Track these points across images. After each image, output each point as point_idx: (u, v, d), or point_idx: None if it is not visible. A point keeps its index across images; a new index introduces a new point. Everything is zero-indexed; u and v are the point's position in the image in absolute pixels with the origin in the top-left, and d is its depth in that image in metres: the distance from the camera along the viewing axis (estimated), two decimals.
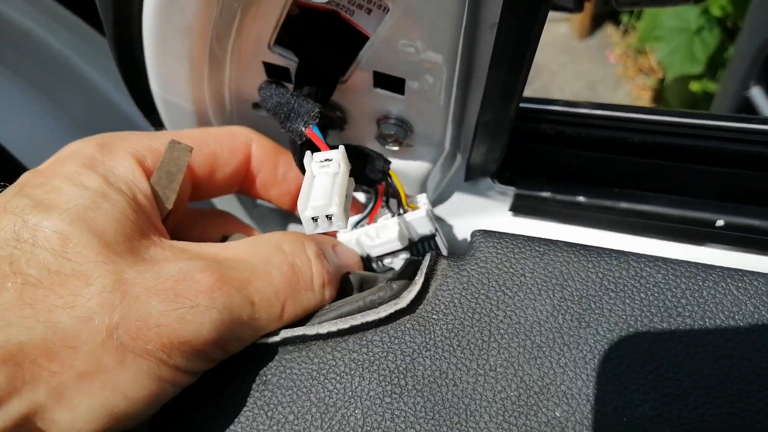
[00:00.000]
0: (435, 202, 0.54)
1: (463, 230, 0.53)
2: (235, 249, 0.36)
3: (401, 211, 0.44)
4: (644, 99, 2.67)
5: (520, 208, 0.50)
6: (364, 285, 0.40)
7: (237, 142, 0.43)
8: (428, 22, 0.37)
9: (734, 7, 2.11)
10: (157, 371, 0.30)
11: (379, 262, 0.45)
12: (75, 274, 0.29)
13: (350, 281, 0.40)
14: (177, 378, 0.31)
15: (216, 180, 0.42)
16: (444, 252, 0.45)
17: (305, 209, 0.34)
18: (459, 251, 0.53)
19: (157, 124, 0.52)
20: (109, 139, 0.38)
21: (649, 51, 2.65)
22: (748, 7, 1.64)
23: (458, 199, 0.53)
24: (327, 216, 0.33)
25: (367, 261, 0.45)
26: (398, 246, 0.43)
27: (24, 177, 0.34)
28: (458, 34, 0.37)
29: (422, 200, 0.46)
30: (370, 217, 0.44)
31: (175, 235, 0.39)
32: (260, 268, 0.35)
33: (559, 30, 2.91)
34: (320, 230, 0.34)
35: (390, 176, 0.43)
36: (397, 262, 0.45)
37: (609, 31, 2.92)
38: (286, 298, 0.35)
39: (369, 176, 0.42)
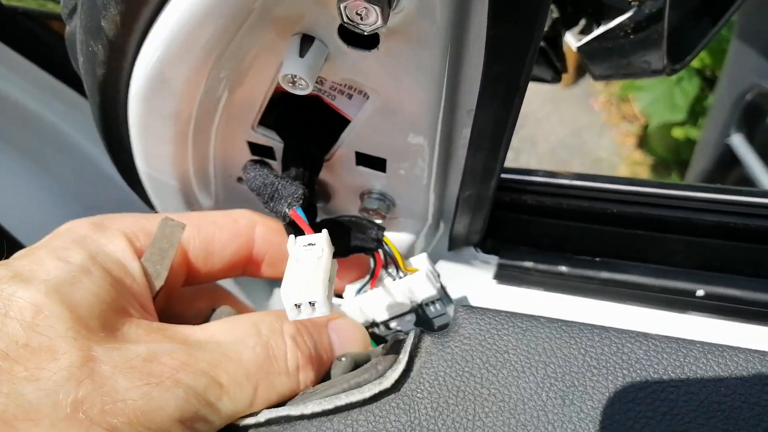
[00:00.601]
0: None
1: None
2: (211, 330, 0.36)
3: (401, 275, 0.45)
4: (628, 145, 2.71)
5: (503, 276, 0.51)
6: (356, 367, 0.40)
7: (238, 226, 0.42)
8: (407, 107, 0.38)
9: (712, 57, 2.17)
10: None
11: (384, 327, 0.45)
12: (43, 348, 0.29)
13: (341, 366, 0.39)
14: None
15: (213, 264, 0.42)
16: (450, 310, 0.46)
17: (288, 296, 0.34)
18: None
19: (142, 195, 0.53)
20: (104, 220, 0.39)
21: (632, 99, 2.71)
22: (726, 58, 1.69)
23: (442, 267, 0.54)
24: (310, 302, 0.34)
25: (373, 325, 0.45)
26: (401, 310, 0.44)
27: (17, 253, 0.35)
28: (436, 119, 0.38)
29: (422, 261, 0.46)
30: (372, 282, 0.44)
31: (164, 308, 0.40)
32: (232, 349, 0.35)
33: None
34: (303, 316, 0.34)
35: (385, 243, 0.43)
36: (404, 324, 0.45)
37: (592, 79, 2.98)
38: (258, 381, 0.35)
39: (364, 246, 0.43)
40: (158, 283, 0.39)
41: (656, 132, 2.46)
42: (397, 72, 0.35)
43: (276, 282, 0.63)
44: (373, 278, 0.44)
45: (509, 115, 0.35)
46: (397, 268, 0.45)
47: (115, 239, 0.37)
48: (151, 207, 0.54)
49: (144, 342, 0.33)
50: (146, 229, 0.39)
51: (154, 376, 0.31)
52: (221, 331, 0.36)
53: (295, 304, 0.33)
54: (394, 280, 0.45)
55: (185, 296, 0.45)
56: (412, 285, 0.44)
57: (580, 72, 2.92)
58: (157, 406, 0.31)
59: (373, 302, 0.44)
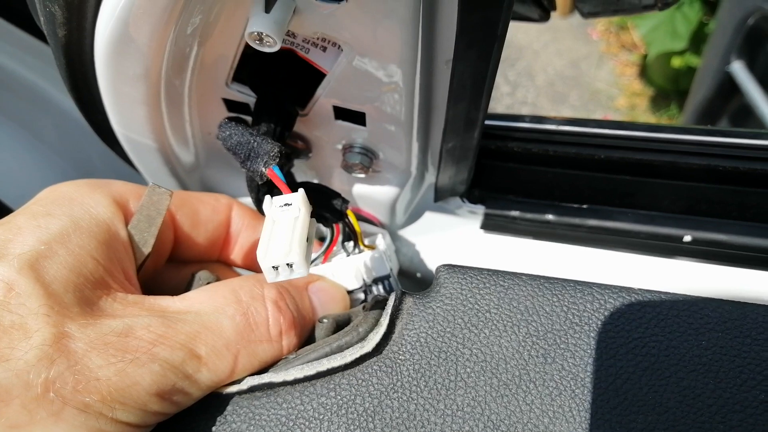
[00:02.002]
0: (405, 222, 0.54)
1: (434, 249, 0.53)
2: (189, 300, 0.36)
3: (357, 251, 0.44)
4: (628, 75, 2.66)
5: (489, 226, 0.50)
6: (338, 328, 0.40)
7: (218, 203, 0.44)
8: (383, 59, 0.36)
9: None
10: (97, 425, 0.30)
11: None
12: (15, 327, 0.29)
13: (323, 328, 0.39)
14: (122, 431, 0.31)
15: (198, 237, 0.42)
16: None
17: (265, 258, 0.33)
18: (429, 272, 0.53)
19: (122, 155, 0.51)
20: (94, 182, 0.38)
21: (631, 27, 2.64)
22: None
23: (429, 218, 0.53)
24: (288, 264, 0.33)
25: None
26: (353, 286, 0.44)
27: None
28: (414, 70, 0.36)
29: (380, 241, 0.46)
30: (325, 256, 0.44)
31: (150, 278, 0.40)
32: (211, 319, 0.35)
33: None
34: (281, 279, 0.34)
35: (347, 216, 0.42)
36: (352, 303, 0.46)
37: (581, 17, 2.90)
38: (238, 350, 0.35)
39: (326, 216, 0.42)
40: (145, 250, 0.38)
41: (656, 61, 2.41)
42: (369, 23, 0.34)
43: None
44: (328, 251, 0.44)
45: (489, 65, 0.34)
46: (355, 243, 0.44)
47: (102, 200, 0.37)
48: (132, 165, 0.53)
49: (120, 316, 0.33)
50: (138, 194, 0.39)
51: (128, 352, 0.31)
52: (200, 300, 0.36)
53: (273, 266, 0.33)
54: (348, 255, 0.45)
55: (170, 268, 0.45)
56: (368, 262, 0.44)
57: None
58: (132, 381, 0.31)
59: (326, 276, 0.44)
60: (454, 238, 0.53)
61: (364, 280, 0.45)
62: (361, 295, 0.45)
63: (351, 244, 0.46)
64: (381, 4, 0.32)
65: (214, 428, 0.36)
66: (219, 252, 0.45)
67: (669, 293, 0.36)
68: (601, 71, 2.69)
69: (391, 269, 0.46)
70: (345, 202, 0.42)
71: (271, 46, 0.33)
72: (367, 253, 0.45)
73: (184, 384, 0.33)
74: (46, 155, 0.73)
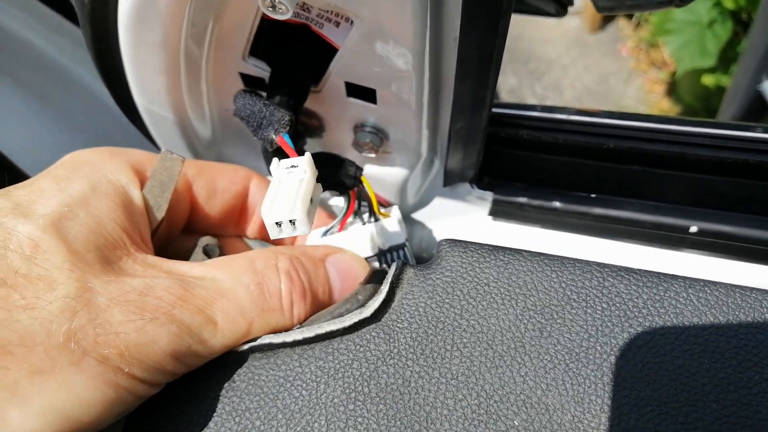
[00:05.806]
0: (415, 206, 0.54)
1: (443, 234, 0.54)
2: (207, 266, 0.37)
3: (372, 219, 0.45)
4: (657, 92, 2.65)
5: (498, 212, 0.51)
6: None
7: (237, 174, 0.44)
8: (392, 35, 0.37)
9: None
10: (114, 378, 0.31)
11: None
12: (41, 279, 0.30)
13: None
14: (135, 387, 0.32)
15: (214, 207, 0.43)
16: (411, 262, 0.46)
17: (268, 214, 0.34)
18: None
19: (144, 131, 0.53)
20: (114, 150, 0.39)
21: (662, 44, 2.62)
22: None
23: (438, 203, 0.54)
24: (290, 221, 0.34)
25: None
26: (368, 254, 0.44)
27: (20, 183, 0.36)
28: (423, 47, 0.37)
29: (395, 211, 0.47)
30: (341, 224, 0.45)
31: (164, 246, 0.41)
32: (227, 286, 0.36)
33: (570, 24, 2.89)
34: (284, 235, 0.35)
35: (362, 182, 0.43)
36: None
37: (621, 24, 2.89)
38: (253, 318, 0.36)
39: (342, 181, 0.43)
40: (159, 215, 0.39)
41: (685, 79, 2.39)
42: None
43: None
44: (344, 219, 0.45)
45: (495, 41, 0.34)
46: (370, 212, 0.45)
47: (120, 167, 0.38)
48: (153, 143, 0.55)
49: (140, 276, 0.34)
50: (154, 162, 0.40)
51: (148, 311, 0.32)
52: (216, 267, 0.37)
53: (276, 222, 0.34)
54: (364, 224, 0.45)
55: (184, 237, 0.46)
56: (383, 229, 0.45)
57: (608, 17, 2.83)
58: (150, 340, 0.32)
59: (341, 243, 0.44)
60: (463, 224, 0.53)
61: (379, 247, 0.45)
62: (376, 264, 0.46)
63: (366, 215, 0.46)
64: None
65: (213, 386, 0.36)
66: (235, 223, 0.46)
67: (668, 274, 0.36)
68: (629, 87, 2.68)
69: (406, 238, 0.46)
70: (359, 169, 0.42)
71: (284, 13, 0.34)
72: (382, 221, 0.45)
73: (198, 347, 0.34)
74: (74, 138, 0.75)
